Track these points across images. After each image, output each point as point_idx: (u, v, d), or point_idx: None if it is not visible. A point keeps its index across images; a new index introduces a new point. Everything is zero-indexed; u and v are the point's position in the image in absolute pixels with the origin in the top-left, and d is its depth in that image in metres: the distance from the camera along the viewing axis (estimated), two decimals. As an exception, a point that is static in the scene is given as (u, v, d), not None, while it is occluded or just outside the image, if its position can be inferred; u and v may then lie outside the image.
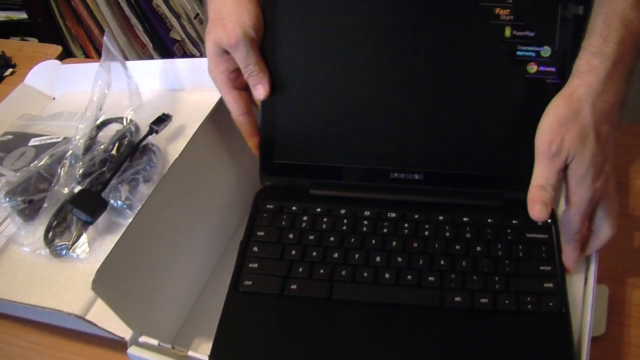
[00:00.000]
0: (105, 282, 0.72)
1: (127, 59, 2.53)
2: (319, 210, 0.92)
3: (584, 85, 0.76)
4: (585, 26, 0.79)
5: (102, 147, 1.02)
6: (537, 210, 0.77)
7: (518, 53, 0.85)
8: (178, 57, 2.70)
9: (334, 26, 0.89)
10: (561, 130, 0.76)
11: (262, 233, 0.90)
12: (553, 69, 0.85)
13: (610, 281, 0.86)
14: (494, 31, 0.85)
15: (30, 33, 2.65)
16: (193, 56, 2.74)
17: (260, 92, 0.88)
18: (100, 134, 1.06)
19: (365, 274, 0.84)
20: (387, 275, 0.84)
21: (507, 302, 0.80)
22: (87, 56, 2.71)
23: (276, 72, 0.90)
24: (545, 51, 0.85)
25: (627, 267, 0.90)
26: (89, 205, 0.92)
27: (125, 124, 1.07)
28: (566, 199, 0.79)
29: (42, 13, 2.59)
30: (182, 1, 2.56)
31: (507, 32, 0.85)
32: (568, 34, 0.84)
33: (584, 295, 0.83)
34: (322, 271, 0.85)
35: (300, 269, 0.85)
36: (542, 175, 0.77)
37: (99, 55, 2.64)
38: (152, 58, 2.71)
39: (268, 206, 0.93)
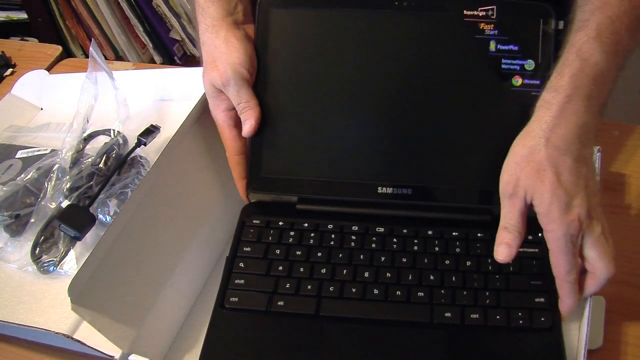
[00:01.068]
0: (86, 302, 0.72)
1: (127, 59, 2.57)
2: (306, 225, 0.92)
3: (537, 121, 0.76)
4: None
5: (89, 160, 1.01)
6: (500, 252, 0.76)
7: (503, 67, 0.86)
8: (178, 57, 2.71)
9: (324, 45, 0.90)
10: (516, 169, 0.75)
11: (248, 249, 0.90)
12: (537, 82, 0.85)
13: (610, 282, 0.83)
14: (479, 46, 0.86)
15: (30, 33, 2.67)
16: (193, 56, 2.75)
17: (246, 128, 0.89)
18: (87, 146, 1.05)
19: (354, 290, 0.84)
20: (375, 291, 0.83)
21: (497, 317, 0.80)
22: (87, 56, 2.67)
23: (264, 88, 0.91)
24: (530, 64, 0.86)
25: (627, 267, 0.90)
26: (77, 220, 0.90)
27: (112, 136, 1.06)
28: (546, 242, 0.76)
29: (42, 13, 2.61)
30: (182, 1, 2.56)
31: (492, 46, 0.86)
32: (550, 47, 0.85)
33: (582, 308, 0.81)
34: (309, 287, 0.85)
35: (287, 285, 0.85)
36: (503, 216, 0.77)
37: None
38: (152, 58, 2.72)
39: (254, 221, 0.93)
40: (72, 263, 0.93)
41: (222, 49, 0.88)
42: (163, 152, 0.84)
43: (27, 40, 2.62)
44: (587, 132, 0.74)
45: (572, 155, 0.73)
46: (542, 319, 0.79)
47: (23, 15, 2.66)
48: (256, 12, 0.91)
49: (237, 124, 0.91)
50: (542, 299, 0.81)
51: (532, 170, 0.74)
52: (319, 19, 0.90)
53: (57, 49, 1.54)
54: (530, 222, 0.81)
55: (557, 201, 0.72)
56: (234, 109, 0.90)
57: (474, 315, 0.80)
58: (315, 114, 0.91)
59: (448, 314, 0.80)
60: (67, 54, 1.59)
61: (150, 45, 2.68)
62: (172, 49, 2.72)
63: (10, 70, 1.48)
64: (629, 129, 1.07)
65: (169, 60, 2.75)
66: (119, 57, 2.73)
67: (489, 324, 0.79)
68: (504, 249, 0.76)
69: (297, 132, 0.92)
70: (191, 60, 2.78)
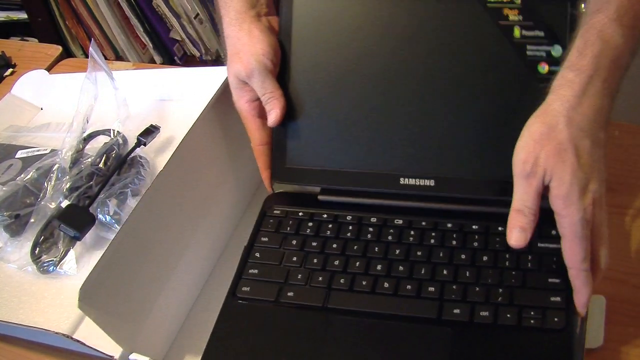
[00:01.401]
0: (92, 300, 0.72)
1: (127, 59, 2.57)
2: (325, 216, 0.91)
3: (558, 100, 0.73)
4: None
5: (89, 160, 1.01)
6: (514, 237, 0.73)
7: (528, 53, 0.84)
8: (178, 57, 2.72)
9: (348, 33, 0.90)
10: (535, 147, 0.73)
11: (265, 239, 0.90)
12: None
13: (610, 282, 0.85)
14: (503, 32, 0.84)
15: (30, 33, 2.67)
16: (193, 56, 2.75)
17: (271, 117, 0.89)
18: (87, 146, 1.05)
19: (364, 283, 0.83)
20: (386, 285, 0.82)
21: (508, 316, 0.76)
22: (87, 56, 2.67)
23: (288, 78, 0.91)
24: (557, 51, 0.83)
25: (627, 267, 0.89)
26: (77, 220, 0.91)
27: (112, 136, 1.06)
28: (559, 227, 0.73)
29: (42, 13, 2.61)
30: (182, 1, 2.56)
31: (517, 32, 0.84)
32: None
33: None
34: (320, 279, 0.84)
35: (299, 276, 0.85)
36: (519, 197, 0.74)
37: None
38: (152, 58, 2.72)
39: (275, 212, 0.93)
40: (71, 263, 0.93)
41: (245, 40, 0.88)
42: (175, 153, 0.84)
43: (27, 40, 2.62)
44: (603, 114, 0.73)
45: (593, 139, 0.72)
46: (556, 319, 0.75)
47: (23, 15, 2.66)
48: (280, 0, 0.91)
49: (261, 114, 0.91)
50: (558, 298, 0.77)
51: (552, 149, 0.71)
52: (342, 7, 0.90)
53: (57, 49, 1.54)
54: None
55: (577, 184, 0.70)
56: (257, 99, 0.90)
57: (483, 313, 0.77)
58: (339, 104, 0.90)
59: (457, 311, 0.78)
60: (67, 54, 1.61)
61: (150, 45, 2.67)
62: (172, 49, 2.71)
63: (10, 70, 1.48)
64: (629, 129, 1.07)
65: (169, 60, 2.74)
66: (119, 57, 2.72)
67: (498, 323, 0.76)
68: (518, 233, 0.73)
69: (321, 123, 0.91)
70: (191, 60, 2.77)
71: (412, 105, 0.88)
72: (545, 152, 0.72)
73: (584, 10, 0.77)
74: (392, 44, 0.88)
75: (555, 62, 0.81)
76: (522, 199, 0.73)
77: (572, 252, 0.72)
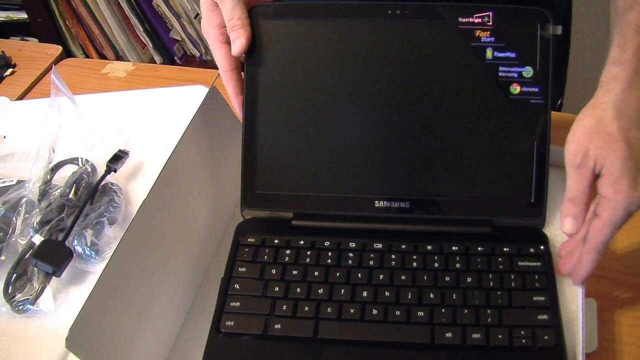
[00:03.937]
0: (81, 339, 0.69)
1: (127, 59, 2.56)
2: (302, 242, 0.90)
3: (607, 94, 0.77)
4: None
5: (58, 191, 0.99)
6: (567, 225, 0.78)
7: (500, 74, 0.86)
8: (178, 57, 2.76)
9: (318, 57, 0.90)
10: (585, 140, 0.76)
11: (243, 269, 0.88)
12: (536, 89, 0.86)
13: (606, 280, 0.86)
14: (475, 53, 0.86)
15: (30, 33, 2.70)
16: (193, 56, 2.79)
17: (236, 46, 0.88)
18: (55, 177, 1.03)
19: (352, 311, 0.82)
20: (374, 312, 0.81)
21: (500, 336, 0.78)
22: (87, 56, 2.75)
23: (258, 101, 0.90)
24: (527, 72, 0.86)
25: (623, 266, 0.89)
26: (54, 256, 0.89)
27: (80, 164, 1.05)
28: (598, 207, 0.76)
29: (42, 13, 2.64)
30: (182, 1, 2.59)
31: (489, 53, 0.86)
32: (548, 53, 0.86)
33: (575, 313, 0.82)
34: (306, 309, 0.83)
35: (284, 307, 0.83)
36: (570, 187, 0.78)
37: (99, 55, 2.68)
38: (152, 58, 2.76)
39: (249, 240, 0.91)
40: (48, 300, 0.91)
41: None
42: (158, 179, 0.82)
43: (27, 40, 2.65)
44: None
45: None
46: (546, 337, 0.77)
47: (23, 15, 2.68)
48: None
49: (230, 40, 0.90)
50: (545, 316, 0.79)
51: (602, 141, 0.75)
52: (311, 31, 0.90)
53: (57, 49, 1.54)
54: (534, 234, 0.87)
55: (627, 173, 0.73)
56: (225, 25, 0.90)
57: (475, 335, 0.78)
58: (309, 128, 0.91)
59: (449, 334, 0.78)
60: (67, 54, 1.61)
61: (150, 45, 2.70)
62: (172, 49, 2.74)
63: (10, 70, 1.48)
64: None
65: (169, 60, 2.78)
66: (119, 57, 2.75)
67: (491, 344, 0.77)
68: (571, 222, 0.78)
69: (290, 147, 0.92)
70: (191, 60, 2.80)
71: (384, 127, 0.89)
72: (595, 144, 0.75)
73: (614, 8, 0.81)
74: (363, 66, 0.89)
75: (527, 83, 0.85)
76: (574, 189, 0.78)
77: (601, 233, 0.75)
